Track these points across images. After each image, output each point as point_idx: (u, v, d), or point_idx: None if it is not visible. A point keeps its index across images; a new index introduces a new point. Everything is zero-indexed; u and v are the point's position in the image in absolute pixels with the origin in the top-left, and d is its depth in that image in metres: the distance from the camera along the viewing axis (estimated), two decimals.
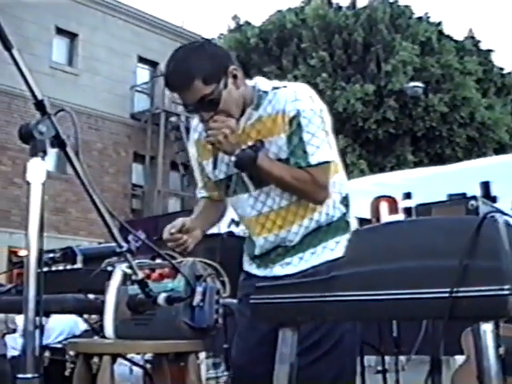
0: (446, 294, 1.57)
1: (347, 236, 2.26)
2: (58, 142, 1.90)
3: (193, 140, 2.81)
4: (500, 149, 21.54)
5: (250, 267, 2.71)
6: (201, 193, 2.89)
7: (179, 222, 2.62)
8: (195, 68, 2.49)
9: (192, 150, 2.83)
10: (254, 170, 2.52)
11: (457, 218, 1.77)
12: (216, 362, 9.20)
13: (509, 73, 26.50)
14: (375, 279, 1.68)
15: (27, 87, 1.85)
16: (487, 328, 1.59)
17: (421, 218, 1.78)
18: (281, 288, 1.86)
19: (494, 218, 1.60)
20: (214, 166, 2.68)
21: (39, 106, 1.87)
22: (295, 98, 2.54)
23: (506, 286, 1.53)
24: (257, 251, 2.66)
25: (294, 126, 2.52)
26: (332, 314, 1.76)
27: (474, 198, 1.89)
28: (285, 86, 2.61)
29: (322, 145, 2.53)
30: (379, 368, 7.34)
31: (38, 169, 1.79)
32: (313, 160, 2.51)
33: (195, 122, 2.79)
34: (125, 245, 2.08)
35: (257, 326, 2.49)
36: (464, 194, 1.96)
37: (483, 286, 1.55)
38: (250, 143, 2.54)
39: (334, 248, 2.50)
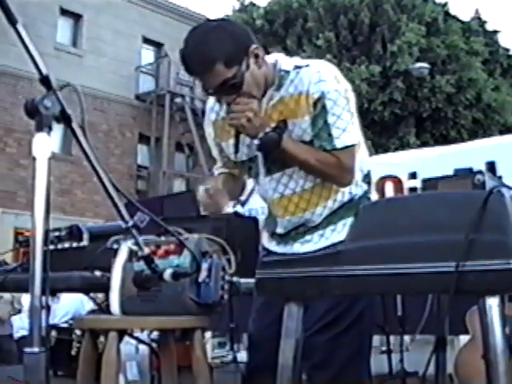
0: (452, 268, 1.57)
1: None
2: (64, 117, 1.90)
3: (209, 120, 2.75)
4: (505, 131, 21.41)
5: (269, 244, 2.71)
6: (220, 170, 2.85)
7: (212, 183, 2.62)
8: (216, 50, 2.39)
9: (209, 130, 2.77)
10: (278, 153, 2.47)
11: (463, 193, 1.77)
12: (221, 341, 9.28)
13: None
14: (381, 253, 1.68)
15: (32, 62, 1.85)
16: (493, 302, 1.59)
17: (427, 193, 1.78)
18: (286, 263, 1.86)
19: (500, 192, 1.60)
20: (236, 149, 2.58)
21: (44, 81, 1.86)
22: (319, 79, 2.47)
23: None
24: (279, 230, 2.66)
25: (319, 108, 2.47)
26: (338, 289, 1.76)
27: (481, 172, 1.88)
28: (307, 65, 2.54)
29: (348, 127, 2.49)
30: (383, 348, 7.37)
31: (44, 144, 1.79)
32: (338, 143, 2.47)
33: (211, 101, 2.72)
34: (130, 220, 2.08)
35: (274, 303, 2.50)
36: (470, 169, 1.95)
37: (489, 260, 1.55)
38: (272, 125, 2.48)
39: None
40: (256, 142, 2.46)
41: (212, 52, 2.38)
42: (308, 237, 2.59)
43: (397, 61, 20.30)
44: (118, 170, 19.89)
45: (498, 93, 22.56)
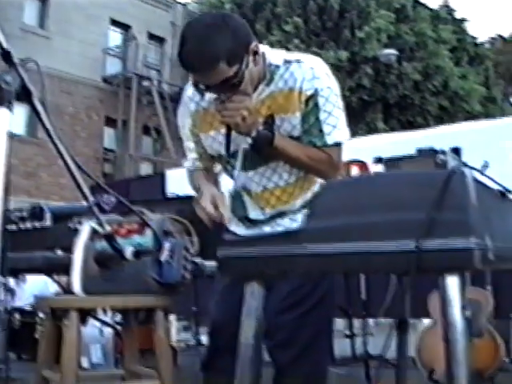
0: (413, 247, 1.57)
1: None
2: (25, 92, 1.87)
3: (188, 111, 2.66)
4: (471, 118, 21.57)
5: (237, 228, 2.68)
6: (195, 164, 2.74)
7: (215, 195, 2.48)
8: (219, 48, 2.29)
9: (185, 120, 2.68)
10: (270, 150, 2.45)
11: (425, 172, 1.77)
12: (186, 325, 9.28)
13: (482, 42, 26.59)
14: (343, 232, 1.67)
15: None
16: (452, 281, 1.60)
17: (389, 172, 1.78)
18: (248, 241, 1.85)
19: (462, 172, 1.60)
20: (228, 146, 2.49)
21: (5, 56, 1.84)
22: (313, 76, 2.46)
23: (472, 239, 1.53)
24: (252, 216, 2.64)
25: (311, 104, 2.46)
26: (299, 268, 1.76)
27: (443, 152, 1.89)
28: (298, 61, 2.50)
29: (339, 124, 2.51)
30: (347, 332, 7.42)
31: (4, 119, 1.76)
32: (329, 140, 2.48)
33: (190, 91, 2.63)
34: (93, 198, 2.07)
35: (237, 286, 2.50)
36: (433, 149, 1.96)
37: (449, 239, 1.55)
38: (260, 119, 2.44)
39: None
40: (248, 140, 2.43)
41: (215, 50, 2.29)
42: (279, 221, 2.59)
43: (365, 47, 20.37)
44: (84, 153, 19.72)
45: (464, 81, 22.74)
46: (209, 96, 2.54)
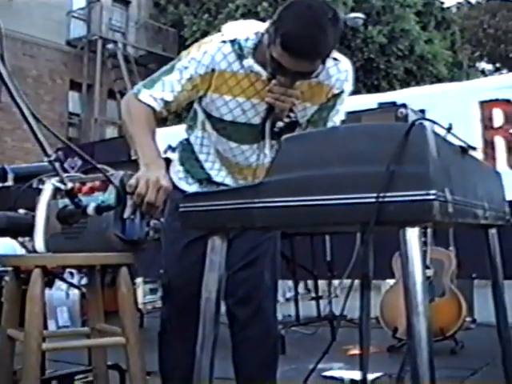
0: (373, 200, 1.58)
1: None
2: None
3: (213, 65, 2.50)
4: (437, 82, 21.67)
5: (190, 187, 2.68)
6: (160, 105, 2.50)
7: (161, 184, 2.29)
8: (329, 45, 2.30)
9: (199, 69, 2.50)
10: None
11: (385, 125, 1.77)
12: (153, 287, 9.29)
13: (449, 7, 26.64)
14: (303, 185, 1.68)
15: None
16: (412, 233, 1.61)
17: (350, 125, 1.78)
18: (210, 195, 1.85)
19: (422, 124, 1.61)
20: (264, 120, 2.53)
21: None
22: (346, 78, 2.59)
23: (432, 191, 1.54)
24: (217, 180, 2.68)
25: (332, 102, 2.60)
26: (261, 221, 1.76)
27: (404, 105, 1.89)
28: (335, 59, 2.54)
29: (338, 122, 2.64)
30: (313, 294, 7.49)
31: None
32: None
33: (227, 49, 2.50)
34: (53, 154, 2.05)
35: (193, 247, 2.53)
36: (394, 103, 1.96)
37: (410, 191, 1.56)
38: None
39: None
40: (280, 123, 2.46)
41: (324, 45, 2.28)
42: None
43: None
44: (48, 117, 19.49)
45: (430, 45, 22.81)
46: (247, 63, 2.49)
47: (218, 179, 2.69)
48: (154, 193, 2.23)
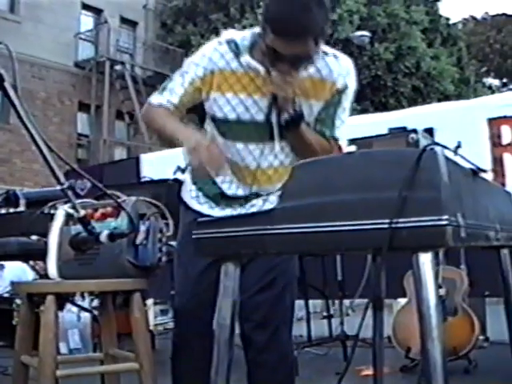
0: (386, 225, 1.59)
1: None
2: None
3: (211, 64, 2.56)
4: (444, 99, 21.71)
5: (201, 207, 2.67)
6: (170, 102, 2.61)
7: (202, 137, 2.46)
8: (318, 22, 2.32)
9: (198, 70, 2.57)
10: (294, 131, 2.53)
11: (396, 150, 1.78)
12: (163, 308, 9.28)
13: (455, 23, 26.69)
14: (316, 211, 1.68)
15: None
16: (425, 259, 1.61)
17: (361, 151, 1.78)
18: (223, 222, 1.85)
19: (433, 150, 1.61)
20: (269, 112, 2.56)
21: None
22: (347, 73, 2.60)
23: (445, 217, 1.55)
24: (230, 193, 2.65)
25: (337, 98, 2.59)
26: (274, 248, 1.76)
27: (415, 131, 1.90)
28: (335, 55, 2.60)
29: (346, 120, 2.65)
30: (325, 313, 7.47)
31: None
32: (337, 133, 2.62)
33: (224, 48, 2.57)
34: (66, 182, 2.06)
35: (206, 271, 2.52)
36: (404, 128, 1.97)
37: (422, 217, 1.57)
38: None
39: None
40: (286, 115, 2.49)
41: (315, 23, 2.31)
42: (254, 201, 2.60)
43: (337, 29, 20.37)
44: (57, 138, 19.57)
45: (437, 61, 22.84)
46: (245, 60, 2.52)
47: (230, 192, 2.66)
48: (209, 149, 2.34)
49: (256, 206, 2.53)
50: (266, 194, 2.57)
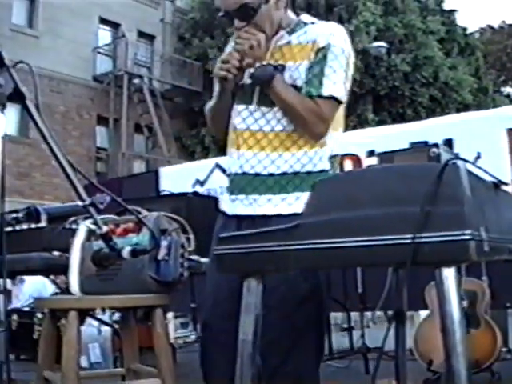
0: (409, 240, 1.58)
1: None
2: (18, 94, 1.88)
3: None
4: (463, 109, 21.63)
5: (223, 204, 2.72)
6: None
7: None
8: None
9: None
10: (267, 87, 2.57)
11: (418, 165, 1.78)
12: (184, 321, 9.28)
13: (472, 33, 26.62)
14: (338, 227, 1.68)
15: None
16: (449, 273, 1.61)
17: (382, 166, 1.79)
18: (244, 238, 1.86)
19: (455, 164, 1.61)
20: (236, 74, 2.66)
21: None
22: (330, 33, 2.60)
23: (468, 231, 1.54)
24: (233, 168, 2.68)
25: (320, 56, 2.57)
26: (296, 263, 1.77)
27: (436, 145, 1.90)
28: (313, 22, 2.68)
29: (339, 83, 2.58)
30: (345, 325, 7.44)
31: None
32: (325, 92, 2.55)
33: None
34: (88, 199, 2.07)
35: (226, 281, 2.49)
36: (426, 142, 1.97)
37: (445, 232, 1.56)
38: (270, 62, 2.60)
39: None
40: (251, 70, 2.60)
41: None
42: (256, 196, 2.59)
43: (354, 40, 20.36)
44: (76, 152, 19.65)
45: (454, 71, 22.78)
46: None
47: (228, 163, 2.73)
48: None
49: (256, 202, 2.53)
50: (256, 167, 2.60)
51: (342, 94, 2.59)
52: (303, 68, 2.58)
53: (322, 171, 2.58)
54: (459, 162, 1.64)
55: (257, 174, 2.60)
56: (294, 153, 2.58)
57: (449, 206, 1.58)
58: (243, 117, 2.66)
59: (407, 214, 1.60)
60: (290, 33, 2.65)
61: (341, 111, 2.70)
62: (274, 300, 2.45)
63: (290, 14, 2.72)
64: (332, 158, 2.64)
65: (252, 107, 2.65)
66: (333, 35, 2.59)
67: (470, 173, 1.66)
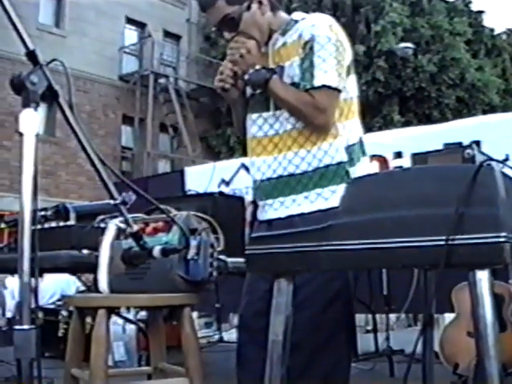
0: (442, 242, 1.57)
1: (344, 186, 2.22)
2: (51, 93, 1.88)
3: None
4: (490, 110, 21.49)
5: (258, 211, 2.76)
6: None
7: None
8: None
9: None
10: (265, 90, 2.62)
11: (453, 166, 1.77)
12: (208, 321, 9.30)
13: (499, 34, 26.40)
14: (371, 228, 1.68)
15: (18, 37, 1.84)
16: (483, 276, 1.60)
17: (417, 167, 1.78)
18: (276, 238, 1.85)
19: (490, 166, 1.60)
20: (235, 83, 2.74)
21: (31, 56, 1.85)
22: (312, 24, 2.62)
23: (502, 234, 1.53)
24: (257, 176, 2.71)
25: (307, 49, 2.59)
26: (327, 264, 1.76)
27: (471, 146, 1.89)
28: (303, 18, 2.71)
29: (330, 70, 2.57)
30: (369, 328, 7.41)
31: (31, 119, 1.77)
32: (316, 82, 2.56)
33: None
34: (118, 197, 2.07)
35: (263, 279, 2.49)
36: (460, 144, 1.96)
37: (479, 234, 1.55)
38: (271, 66, 2.64)
39: (329, 197, 2.49)
40: (246, 76, 2.63)
41: None
42: (282, 198, 2.62)
43: (381, 41, 20.32)
44: (101, 151, 19.13)
45: (481, 72, 22.62)
46: None
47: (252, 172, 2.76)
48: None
49: (283, 205, 2.54)
50: (261, 165, 2.66)
51: (335, 81, 2.57)
52: (296, 64, 2.62)
53: (339, 163, 2.58)
54: (494, 164, 1.63)
55: (280, 177, 2.62)
56: (308, 149, 2.59)
57: (483, 207, 1.57)
58: (259, 124, 2.70)
59: (441, 215, 1.59)
60: (283, 34, 2.70)
61: (353, 100, 2.71)
62: (302, 300, 2.43)
63: (282, 14, 2.77)
64: (349, 147, 2.63)
65: (266, 114, 2.69)
66: (315, 26, 2.61)
67: (504, 175, 1.64)
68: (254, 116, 2.72)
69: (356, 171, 2.56)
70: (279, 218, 2.58)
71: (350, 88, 2.67)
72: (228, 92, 2.69)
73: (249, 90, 2.76)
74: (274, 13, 2.72)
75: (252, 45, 2.63)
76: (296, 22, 2.70)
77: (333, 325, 2.56)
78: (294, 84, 2.60)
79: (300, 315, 2.37)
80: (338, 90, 2.58)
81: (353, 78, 2.70)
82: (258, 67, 2.60)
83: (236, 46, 2.63)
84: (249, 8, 2.64)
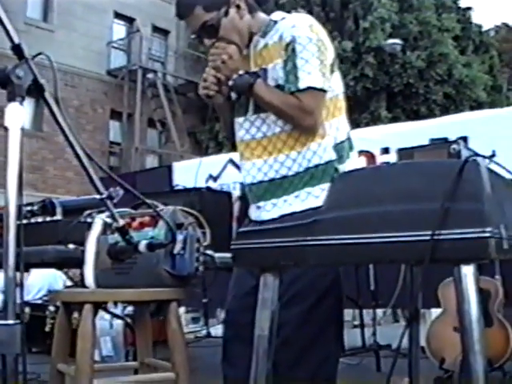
0: (428, 237, 1.58)
1: None
2: (36, 87, 1.87)
3: None
4: (477, 106, 21.56)
5: (250, 211, 2.75)
6: None
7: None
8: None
9: None
10: (250, 95, 2.61)
11: (438, 162, 1.77)
12: (195, 316, 9.30)
13: (487, 30, 26.49)
14: (357, 223, 1.68)
15: (4, 30, 1.82)
16: (468, 271, 1.60)
17: (402, 162, 1.78)
18: (262, 233, 1.85)
19: (476, 161, 1.60)
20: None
21: (16, 49, 1.84)
22: (292, 25, 2.59)
23: (488, 229, 1.53)
24: (247, 179, 2.70)
25: (289, 51, 2.57)
26: (314, 259, 1.76)
27: (456, 142, 1.89)
28: (284, 18, 2.68)
29: (314, 71, 2.55)
30: (356, 322, 7.42)
31: (16, 114, 1.76)
32: (301, 85, 2.54)
33: None
34: (105, 192, 2.07)
35: (250, 274, 2.50)
36: (446, 139, 1.96)
37: (465, 229, 1.56)
38: (254, 70, 2.63)
39: (319, 195, 2.48)
40: (230, 82, 2.61)
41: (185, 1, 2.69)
42: (274, 200, 2.61)
43: (369, 37, 20.34)
44: (89, 146, 19.52)
45: (469, 69, 22.68)
46: None
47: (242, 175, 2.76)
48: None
49: (276, 206, 2.54)
50: (251, 168, 2.65)
51: (320, 81, 2.55)
52: (279, 66, 2.60)
53: (328, 162, 2.57)
54: (479, 159, 1.63)
55: (272, 180, 2.61)
56: (299, 151, 2.58)
57: (469, 203, 1.57)
58: (246, 128, 2.70)
59: (427, 210, 1.60)
60: (264, 35, 2.68)
61: (339, 97, 2.70)
62: (293, 295, 2.48)
63: (260, 16, 2.74)
64: (337, 145, 2.63)
65: (251, 117, 2.68)
66: (295, 27, 2.58)
67: (490, 170, 1.65)
68: (241, 120, 2.71)
69: (346, 168, 2.55)
70: (272, 219, 2.55)
71: (335, 85, 2.66)
72: (213, 98, 2.68)
73: (233, 95, 2.75)
74: (252, 15, 2.69)
75: (233, 50, 2.61)
76: (275, 22, 2.67)
77: (323, 320, 2.59)
78: (278, 86, 2.59)
79: (291, 310, 2.47)
80: (324, 91, 2.57)
81: (337, 75, 2.68)
82: (241, 72, 2.59)
83: (217, 52, 2.62)
84: (227, 13, 2.62)
